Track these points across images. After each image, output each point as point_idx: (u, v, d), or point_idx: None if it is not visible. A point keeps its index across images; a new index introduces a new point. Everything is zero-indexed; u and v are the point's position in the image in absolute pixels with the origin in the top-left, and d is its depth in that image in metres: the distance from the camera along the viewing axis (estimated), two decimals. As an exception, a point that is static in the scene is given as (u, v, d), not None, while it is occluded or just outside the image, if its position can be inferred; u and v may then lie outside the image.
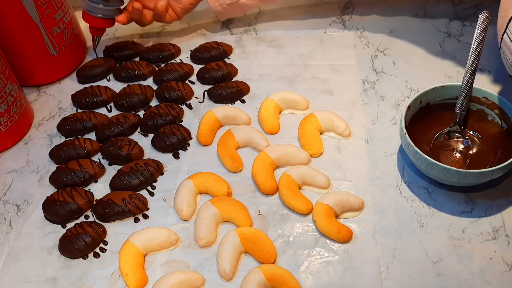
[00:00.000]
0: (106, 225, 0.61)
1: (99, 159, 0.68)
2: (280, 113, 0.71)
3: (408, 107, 0.61)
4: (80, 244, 0.57)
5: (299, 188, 0.62)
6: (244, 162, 0.65)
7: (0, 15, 0.69)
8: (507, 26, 0.55)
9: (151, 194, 0.64)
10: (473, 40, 0.60)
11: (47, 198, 0.63)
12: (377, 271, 0.54)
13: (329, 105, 0.71)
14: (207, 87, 0.76)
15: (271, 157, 0.63)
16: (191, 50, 0.82)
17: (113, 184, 0.64)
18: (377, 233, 0.57)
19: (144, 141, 0.70)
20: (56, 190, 0.65)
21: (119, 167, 0.66)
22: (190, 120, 0.72)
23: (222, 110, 0.70)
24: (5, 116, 0.68)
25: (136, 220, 0.61)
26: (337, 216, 0.58)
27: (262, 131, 0.69)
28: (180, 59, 0.82)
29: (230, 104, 0.74)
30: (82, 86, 0.79)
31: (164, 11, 0.78)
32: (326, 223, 0.57)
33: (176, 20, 0.81)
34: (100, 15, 0.76)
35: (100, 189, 0.65)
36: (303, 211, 0.59)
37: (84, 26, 0.86)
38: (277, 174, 0.63)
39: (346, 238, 0.56)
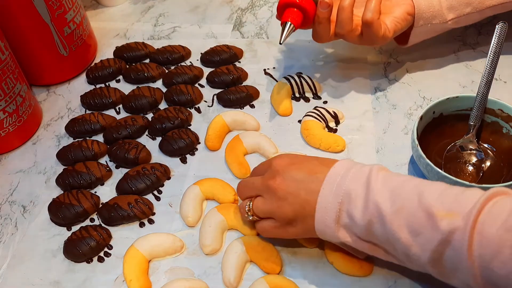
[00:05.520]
0: (111, 229, 0.60)
1: (106, 161, 0.68)
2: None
3: (421, 118, 0.59)
4: (84, 248, 0.57)
5: None
6: (251, 169, 0.65)
7: (11, 15, 0.69)
8: None
9: (157, 198, 0.63)
10: (489, 50, 0.58)
11: (53, 200, 0.62)
12: (385, 285, 0.53)
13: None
14: (217, 91, 0.76)
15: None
16: (201, 53, 0.82)
17: (120, 188, 0.64)
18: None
19: (151, 144, 0.69)
20: (62, 192, 0.64)
21: (126, 170, 0.66)
22: (198, 124, 0.72)
23: (231, 115, 0.69)
24: (14, 116, 0.68)
25: (142, 224, 0.61)
26: None
27: (269, 139, 0.68)
28: (190, 62, 0.81)
29: (239, 109, 0.73)
30: (91, 87, 0.79)
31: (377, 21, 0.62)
32: (345, 262, 0.53)
33: (386, 39, 0.65)
34: None
35: (106, 192, 0.65)
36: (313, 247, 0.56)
37: (94, 26, 0.86)
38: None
39: (368, 271, 0.54)
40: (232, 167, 0.65)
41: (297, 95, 0.73)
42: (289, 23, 0.62)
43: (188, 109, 0.73)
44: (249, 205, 0.53)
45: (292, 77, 0.73)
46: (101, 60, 0.81)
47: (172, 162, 0.67)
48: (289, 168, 0.51)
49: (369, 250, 0.48)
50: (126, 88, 0.77)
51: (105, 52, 0.85)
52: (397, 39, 0.72)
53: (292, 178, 0.50)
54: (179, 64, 0.80)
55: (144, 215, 0.60)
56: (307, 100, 0.73)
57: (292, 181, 0.50)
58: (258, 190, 0.52)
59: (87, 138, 0.71)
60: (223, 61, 0.79)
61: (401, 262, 0.47)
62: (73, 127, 0.71)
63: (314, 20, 0.63)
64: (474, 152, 0.60)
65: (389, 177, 0.47)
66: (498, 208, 0.40)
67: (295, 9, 0.62)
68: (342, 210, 0.47)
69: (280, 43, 0.62)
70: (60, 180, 0.65)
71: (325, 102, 0.72)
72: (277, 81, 0.76)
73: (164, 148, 0.68)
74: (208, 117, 0.72)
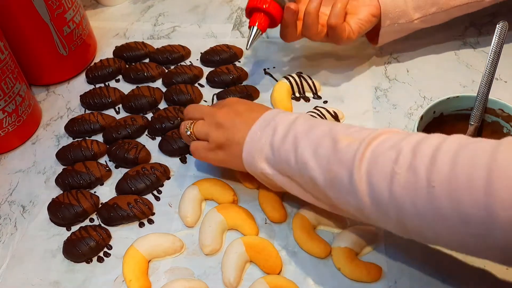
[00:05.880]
0: (111, 229, 0.60)
1: (105, 161, 0.68)
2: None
3: (421, 118, 0.59)
4: (84, 248, 0.57)
5: (314, 228, 0.58)
6: (251, 168, 0.65)
7: (11, 14, 0.69)
8: None
9: (157, 198, 0.63)
10: (490, 50, 0.58)
11: (53, 200, 0.62)
12: (385, 285, 0.53)
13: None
14: (217, 90, 0.76)
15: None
16: (201, 53, 0.81)
17: (119, 188, 0.63)
18: (386, 248, 0.56)
19: (151, 144, 0.69)
20: (62, 192, 0.64)
21: (126, 170, 0.65)
22: (198, 124, 0.71)
23: (231, 115, 0.69)
24: (13, 116, 0.68)
25: (141, 224, 0.61)
26: (357, 254, 0.55)
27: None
28: (190, 62, 0.81)
29: (239, 109, 0.73)
30: (91, 87, 0.79)
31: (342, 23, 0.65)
32: (352, 268, 0.53)
33: (351, 40, 0.67)
34: None
35: (106, 192, 0.64)
36: (320, 255, 0.55)
37: (94, 26, 0.85)
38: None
39: (377, 277, 0.53)
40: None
41: (297, 94, 0.73)
42: (255, 27, 0.64)
43: (188, 109, 0.73)
44: (191, 123, 0.59)
45: (292, 77, 0.73)
46: (100, 60, 0.81)
47: (172, 162, 0.67)
48: (236, 104, 0.58)
49: (288, 186, 0.52)
50: (125, 87, 0.77)
51: (104, 51, 0.85)
52: (369, 38, 0.75)
53: (235, 110, 0.57)
54: (179, 64, 0.80)
55: (144, 215, 0.60)
56: (307, 100, 0.73)
57: (234, 112, 0.56)
58: (203, 114, 0.59)
59: (87, 138, 0.71)
60: (223, 61, 0.79)
61: (315, 199, 0.51)
62: (72, 127, 0.71)
63: (281, 23, 0.66)
64: (475, 152, 0.60)
65: (313, 119, 0.52)
66: (392, 136, 0.45)
67: (262, 13, 0.64)
68: (266, 142, 0.52)
69: (246, 49, 0.66)
70: (60, 180, 0.65)
71: (325, 102, 0.72)
72: (277, 81, 0.76)
73: (164, 148, 0.67)
74: (208, 117, 0.72)
